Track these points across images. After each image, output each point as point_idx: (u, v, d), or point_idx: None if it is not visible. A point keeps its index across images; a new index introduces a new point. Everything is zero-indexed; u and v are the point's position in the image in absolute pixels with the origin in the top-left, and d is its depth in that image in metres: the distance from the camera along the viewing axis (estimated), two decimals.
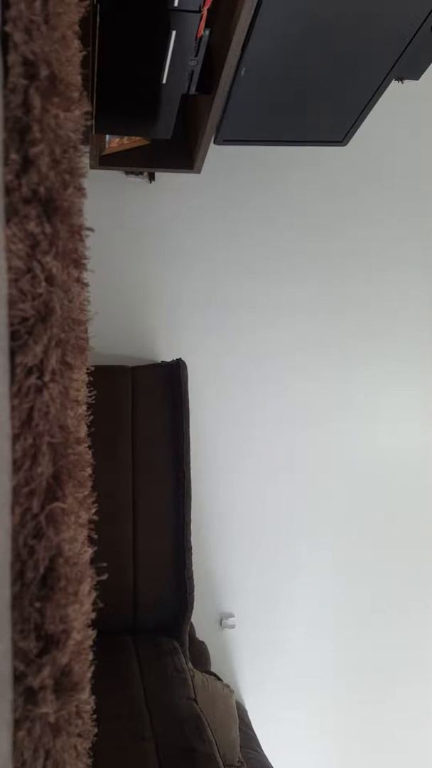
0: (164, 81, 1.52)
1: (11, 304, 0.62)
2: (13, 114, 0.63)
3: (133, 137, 1.96)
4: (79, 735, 0.70)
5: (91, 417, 1.20)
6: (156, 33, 1.41)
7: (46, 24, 0.69)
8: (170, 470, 2.17)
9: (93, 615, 0.87)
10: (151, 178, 2.35)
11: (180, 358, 2.30)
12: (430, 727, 2.93)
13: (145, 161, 2.07)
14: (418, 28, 1.57)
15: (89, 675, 0.75)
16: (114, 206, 2.38)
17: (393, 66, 1.68)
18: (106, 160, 1.99)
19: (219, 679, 2.26)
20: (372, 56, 1.66)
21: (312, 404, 2.66)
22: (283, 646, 2.73)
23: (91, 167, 1.93)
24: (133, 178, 2.34)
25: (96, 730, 0.97)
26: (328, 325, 2.65)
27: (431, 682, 2.90)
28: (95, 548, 0.94)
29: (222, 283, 2.53)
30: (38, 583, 0.63)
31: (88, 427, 1.11)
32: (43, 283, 0.65)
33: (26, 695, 0.60)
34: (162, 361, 2.41)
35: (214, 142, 1.89)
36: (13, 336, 0.62)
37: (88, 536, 0.96)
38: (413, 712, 2.90)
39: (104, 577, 0.90)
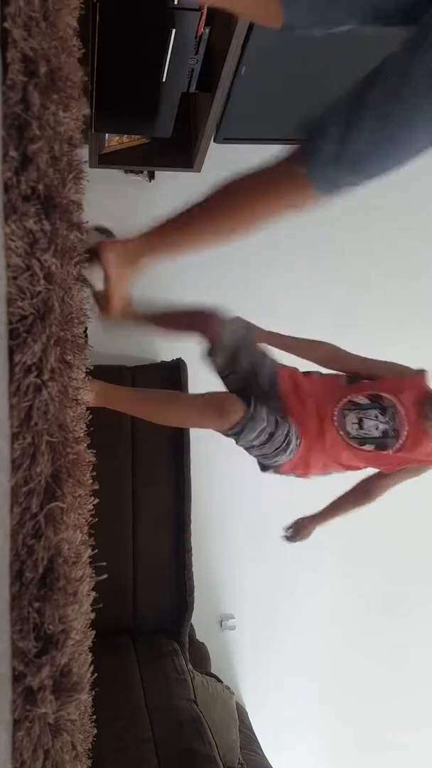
0: (164, 79, 1.52)
1: (10, 302, 0.61)
2: (12, 111, 0.62)
3: (133, 135, 1.96)
4: (79, 735, 0.70)
5: (91, 417, 1.20)
6: (156, 31, 1.41)
7: (45, 21, 0.69)
8: (170, 470, 2.17)
9: (92, 615, 0.87)
10: (151, 176, 2.34)
11: (180, 358, 2.29)
12: (431, 729, 2.93)
13: (145, 160, 2.06)
14: None
15: (88, 675, 0.74)
16: (113, 205, 2.37)
17: None
18: (105, 159, 1.98)
19: (219, 680, 2.25)
20: (374, 54, 1.65)
21: None
22: (283, 648, 2.72)
23: (90, 165, 1.93)
24: (132, 177, 2.33)
25: (95, 731, 0.97)
26: (329, 325, 2.63)
27: None
28: (95, 548, 0.94)
29: (221, 281, 2.52)
30: (37, 583, 0.62)
31: (88, 427, 1.11)
32: (42, 281, 0.64)
33: (25, 695, 0.60)
34: (162, 361, 2.41)
35: (215, 141, 1.89)
36: (12, 334, 0.62)
37: (88, 536, 0.95)
38: (414, 712, 2.90)
39: (104, 577, 0.90)
